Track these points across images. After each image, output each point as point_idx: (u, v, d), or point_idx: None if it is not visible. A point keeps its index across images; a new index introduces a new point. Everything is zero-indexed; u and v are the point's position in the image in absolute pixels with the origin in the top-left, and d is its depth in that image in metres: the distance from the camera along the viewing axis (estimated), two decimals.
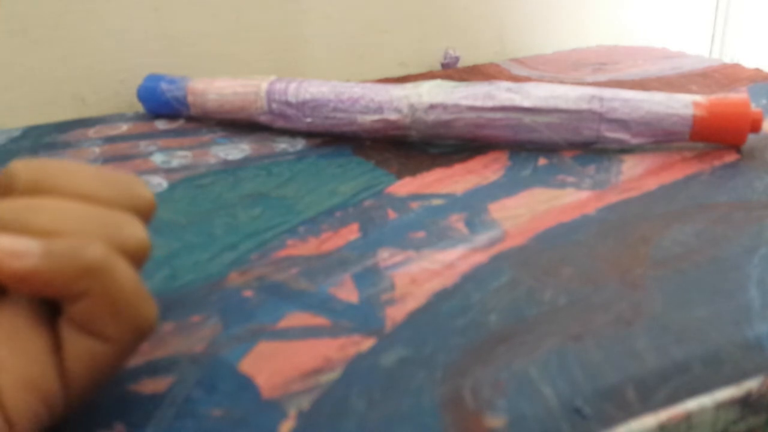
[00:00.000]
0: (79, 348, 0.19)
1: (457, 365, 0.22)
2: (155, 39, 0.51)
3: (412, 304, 0.25)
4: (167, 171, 0.38)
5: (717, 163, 0.36)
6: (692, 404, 0.20)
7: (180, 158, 0.40)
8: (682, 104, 0.37)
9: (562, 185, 0.34)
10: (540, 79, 0.53)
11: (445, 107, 0.38)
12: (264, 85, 0.42)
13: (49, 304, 0.19)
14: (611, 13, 0.67)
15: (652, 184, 0.34)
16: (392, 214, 0.32)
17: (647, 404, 0.20)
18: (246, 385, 0.21)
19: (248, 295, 0.26)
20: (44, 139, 0.44)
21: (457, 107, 0.38)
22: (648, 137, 0.37)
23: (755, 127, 0.36)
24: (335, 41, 0.57)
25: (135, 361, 0.23)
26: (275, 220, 0.32)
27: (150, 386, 0.22)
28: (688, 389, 0.21)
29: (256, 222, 0.32)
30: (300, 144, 0.42)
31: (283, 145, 0.42)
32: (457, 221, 0.31)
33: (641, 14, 0.68)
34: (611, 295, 0.25)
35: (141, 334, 0.19)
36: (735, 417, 0.21)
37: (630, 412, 0.20)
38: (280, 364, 0.22)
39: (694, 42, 0.73)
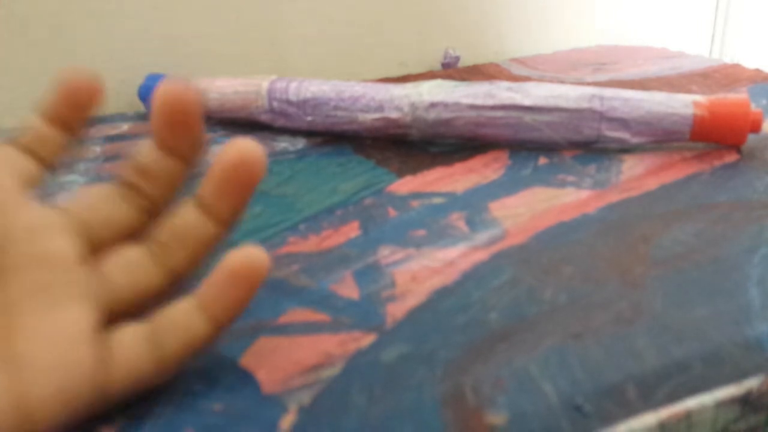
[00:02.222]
0: (135, 354, 0.20)
1: (457, 362, 0.22)
2: (155, 39, 0.51)
3: (412, 301, 0.25)
4: None
5: (717, 163, 0.36)
6: (692, 403, 0.20)
7: None
8: (682, 104, 0.37)
9: (563, 184, 0.35)
10: (540, 79, 0.53)
11: (445, 106, 0.38)
12: (265, 84, 0.42)
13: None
14: (611, 13, 0.67)
15: (652, 183, 0.34)
16: (393, 213, 0.32)
17: (648, 402, 0.20)
18: (247, 380, 0.22)
19: None
20: None
21: (457, 106, 0.38)
22: (648, 137, 0.37)
23: (755, 127, 0.37)
24: (335, 41, 0.57)
25: None
26: (276, 218, 0.32)
27: None
28: (689, 388, 0.21)
29: (257, 220, 0.32)
30: (300, 143, 0.42)
31: (283, 144, 0.42)
32: (457, 219, 0.31)
33: (641, 14, 0.68)
34: (611, 294, 0.25)
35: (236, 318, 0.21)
36: (735, 416, 0.21)
37: (630, 410, 0.20)
38: (281, 359, 0.22)
39: (694, 42, 0.74)
